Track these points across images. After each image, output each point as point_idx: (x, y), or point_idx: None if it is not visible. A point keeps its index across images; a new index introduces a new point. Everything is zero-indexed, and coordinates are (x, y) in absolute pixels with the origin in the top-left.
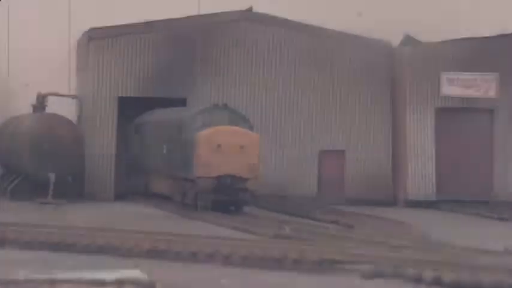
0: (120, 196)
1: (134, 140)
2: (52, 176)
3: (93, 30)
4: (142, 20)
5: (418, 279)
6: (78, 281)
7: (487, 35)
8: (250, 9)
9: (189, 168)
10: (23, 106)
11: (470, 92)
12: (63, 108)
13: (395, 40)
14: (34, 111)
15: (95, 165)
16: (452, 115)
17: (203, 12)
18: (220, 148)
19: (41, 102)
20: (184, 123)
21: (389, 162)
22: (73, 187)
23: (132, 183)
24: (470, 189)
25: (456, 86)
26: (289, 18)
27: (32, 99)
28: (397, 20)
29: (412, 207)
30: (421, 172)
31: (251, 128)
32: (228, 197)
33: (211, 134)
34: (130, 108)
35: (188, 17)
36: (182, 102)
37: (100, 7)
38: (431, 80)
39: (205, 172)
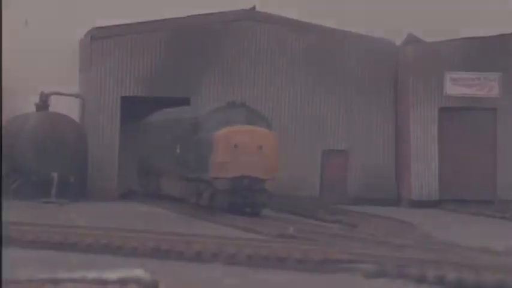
0: (125, 196)
1: (143, 140)
2: (55, 176)
3: (96, 29)
4: (145, 20)
5: (421, 279)
6: (81, 281)
7: (489, 34)
8: (253, 9)
9: (205, 169)
10: (26, 105)
11: (474, 92)
12: (66, 107)
13: (399, 39)
14: (37, 110)
15: (97, 164)
16: (455, 114)
17: (206, 11)
18: (238, 148)
19: (44, 102)
20: (200, 122)
21: (393, 162)
22: (76, 186)
23: (142, 184)
24: (473, 188)
25: (459, 85)
26: (292, 17)
27: (35, 99)
28: (400, 19)
29: (415, 207)
30: (424, 171)
31: (269, 127)
32: (245, 199)
33: (228, 134)
34: (133, 108)
35: (191, 16)
36: (185, 102)
37: (103, 6)
38: (434, 79)
39: (222, 173)
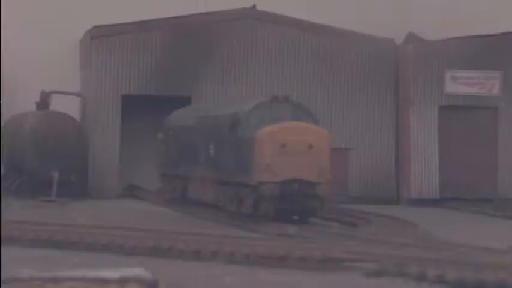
0: (127, 189)
1: (167, 140)
2: (55, 174)
3: (95, 28)
4: (146, 18)
5: (421, 278)
6: (81, 279)
7: (490, 33)
8: (254, 7)
9: (247, 172)
10: (27, 104)
11: (474, 90)
12: (67, 106)
13: (399, 38)
14: (38, 109)
15: (98, 163)
16: (456, 113)
17: (207, 10)
18: (286, 148)
19: (44, 100)
20: (239, 120)
21: (393, 160)
22: (76, 185)
23: (167, 189)
24: (473, 187)
25: (460, 84)
26: (293, 16)
27: (36, 98)
28: (401, 18)
29: (415, 206)
30: (424, 170)
31: (317, 122)
32: (294, 205)
33: (274, 132)
34: (133, 106)
35: (192, 15)
36: (186, 101)
37: (103, 5)
38: (435, 78)
39: (268, 176)
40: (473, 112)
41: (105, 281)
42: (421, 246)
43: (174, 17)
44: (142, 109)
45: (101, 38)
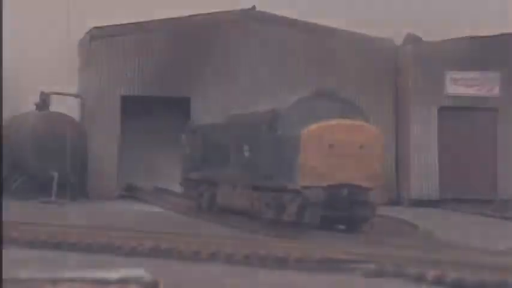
0: (126, 189)
1: (193, 141)
2: (55, 175)
3: (95, 29)
4: (145, 19)
5: (420, 279)
6: (80, 280)
7: (490, 33)
8: (253, 8)
9: (289, 176)
10: (26, 105)
11: (474, 91)
12: (66, 107)
13: (399, 39)
14: (37, 110)
15: (97, 164)
16: (455, 114)
17: (206, 11)
18: (334, 149)
19: (44, 101)
20: (280, 117)
21: (393, 161)
22: (75, 186)
23: (191, 196)
24: (473, 188)
25: (460, 85)
26: (292, 17)
27: (35, 99)
28: (400, 18)
29: (415, 206)
30: (424, 171)
31: (367, 120)
32: (343, 213)
33: (321, 131)
34: (133, 107)
35: (191, 16)
36: (186, 102)
37: (102, 6)
38: (434, 79)
39: (314, 180)
40: (472, 113)
41: (104, 282)
42: (421, 247)
43: (173, 18)
44: (141, 110)
45: (100, 39)
